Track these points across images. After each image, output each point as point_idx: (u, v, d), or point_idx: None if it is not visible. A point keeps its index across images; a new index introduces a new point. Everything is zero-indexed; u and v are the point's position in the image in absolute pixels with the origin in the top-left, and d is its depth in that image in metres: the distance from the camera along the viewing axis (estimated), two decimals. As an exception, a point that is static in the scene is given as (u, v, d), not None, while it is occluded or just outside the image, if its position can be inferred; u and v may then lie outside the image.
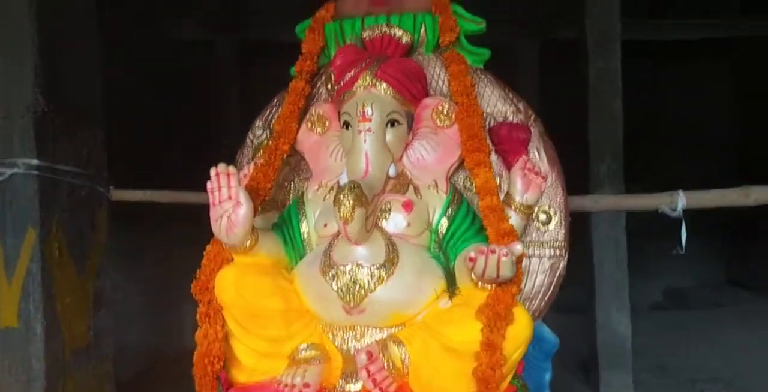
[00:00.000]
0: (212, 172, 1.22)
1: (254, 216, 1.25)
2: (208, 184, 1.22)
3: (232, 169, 1.22)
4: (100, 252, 2.17)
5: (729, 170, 5.24)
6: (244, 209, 1.20)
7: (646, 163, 4.75)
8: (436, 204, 1.35)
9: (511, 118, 1.48)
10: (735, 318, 4.58)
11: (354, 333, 1.29)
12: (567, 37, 3.67)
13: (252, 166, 1.49)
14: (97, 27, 2.17)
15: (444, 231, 1.34)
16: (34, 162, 1.88)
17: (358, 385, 1.24)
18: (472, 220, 1.34)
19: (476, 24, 1.54)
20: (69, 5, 2.06)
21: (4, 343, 1.92)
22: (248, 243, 1.25)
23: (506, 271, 1.13)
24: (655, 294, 5.60)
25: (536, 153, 1.47)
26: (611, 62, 3.22)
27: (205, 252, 1.32)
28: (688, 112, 5.47)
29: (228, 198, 1.21)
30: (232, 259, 1.30)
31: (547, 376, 1.47)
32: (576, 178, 3.14)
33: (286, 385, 1.22)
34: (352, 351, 1.27)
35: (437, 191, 1.36)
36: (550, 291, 1.44)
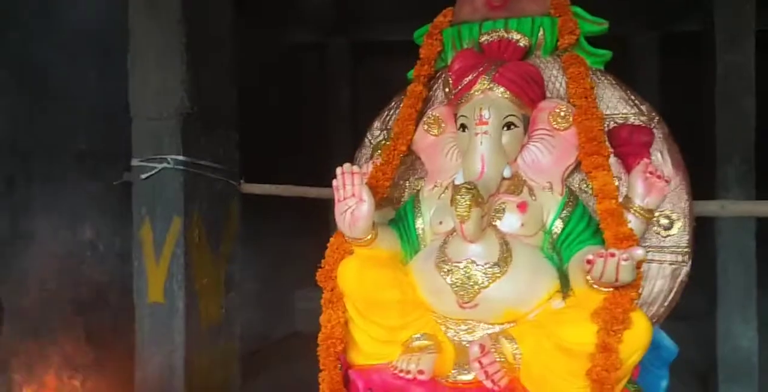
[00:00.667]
0: (338, 170, 1.31)
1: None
2: (334, 182, 1.31)
3: (356, 168, 1.31)
4: (232, 240, 2.39)
5: None
6: (366, 205, 1.29)
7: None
8: (551, 206, 1.36)
9: (632, 120, 1.45)
10: None
11: (466, 326, 1.34)
12: (690, 29, 3.43)
13: (370, 164, 1.57)
14: (233, 39, 2.38)
15: (558, 233, 1.35)
16: (181, 158, 2.11)
17: (470, 376, 1.28)
18: (587, 223, 1.34)
19: (597, 25, 1.52)
20: (212, 20, 2.29)
21: (152, 317, 2.18)
22: (369, 236, 1.34)
23: (626, 276, 1.12)
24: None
25: (659, 155, 1.43)
26: (742, 55, 2.98)
27: (328, 244, 1.42)
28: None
29: (352, 195, 1.30)
30: (353, 251, 1.39)
31: (664, 383, 1.43)
32: (701, 180, 2.98)
33: (401, 370, 1.29)
34: (464, 344, 1.32)
35: (552, 193, 1.37)
36: (670, 298, 1.40)
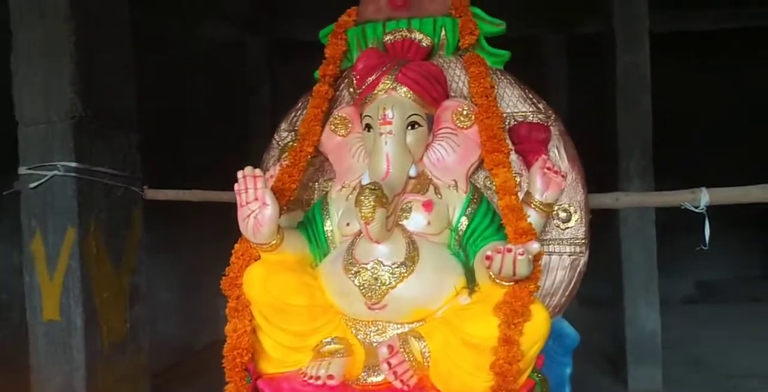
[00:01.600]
0: (239, 174, 1.27)
1: (280, 216, 1.29)
2: (236, 186, 1.27)
3: (258, 171, 1.27)
4: (135, 250, 2.26)
5: (763, 162, 5.11)
6: (270, 210, 1.26)
7: (677, 156, 4.67)
8: (456, 204, 1.38)
9: (530, 118, 1.50)
10: (770, 313, 4.50)
11: (376, 327, 1.33)
12: (594, 31, 3.61)
13: (278, 166, 1.54)
14: (130, 35, 2.26)
15: (464, 230, 1.37)
16: (73, 164, 1.98)
17: (380, 377, 1.28)
18: (491, 219, 1.37)
19: (496, 26, 1.56)
20: (104, 16, 2.15)
21: (48, 335, 2.03)
22: (274, 241, 1.31)
23: (522, 270, 1.15)
24: (688, 288, 5.51)
25: (556, 152, 1.48)
26: (639, 56, 3.17)
27: (233, 251, 1.37)
28: (722, 104, 5.34)
29: (255, 199, 1.26)
30: (260, 257, 1.36)
31: (568, 371, 1.48)
32: (605, 173, 3.15)
33: (311, 377, 1.28)
34: (374, 345, 1.31)
35: (457, 190, 1.39)
36: (570, 288, 1.46)
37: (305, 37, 4.15)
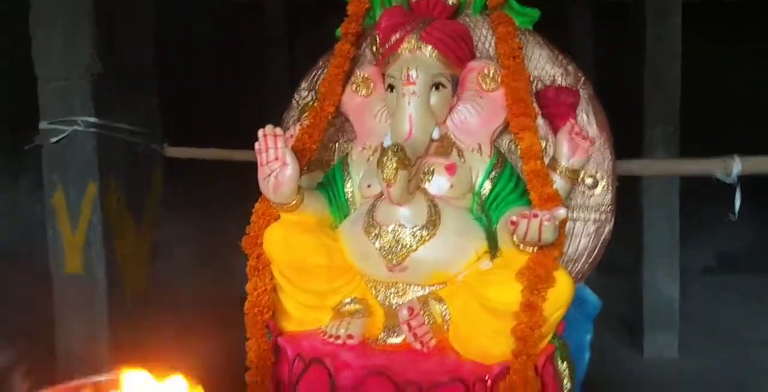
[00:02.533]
0: (260, 133, 1.25)
1: (300, 176, 1.28)
2: (256, 145, 1.26)
3: (278, 130, 1.26)
4: (156, 206, 2.28)
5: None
6: (290, 169, 1.24)
7: (705, 125, 4.56)
8: (479, 168, 1.36)
9: (559, 81, 1.44)
10: (791, 285, 4.45)
11: (396, 289, 1.33)
12: (623, 1, 3.49)
13: (298, 126, 1.51)
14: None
15: (487, 194, 1.34)
16: (93, 119, 1.97)
17: (400, 339, 1.29)
18: (515, 184, 1.35)
19: (526, -17, 1.49)
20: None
21: (71, 288, 2.08)
22: (294, 201, 1.30)
23: (548, 235, 1.13)
24: (707, 257, 5.46)
25: (584, 116, 1.43)
26: (670, 27, 3.07)
27: (254, 210, 1.37)
28: (754, 76, 5.15)
29: (275, 158, 1.25)
30: (279, 217, 1.35)
31: (588, 337, 1.48)
32: (631, 141, 3.09)
33: (330, 335, 1.29)
34: (394, 307, 1.31)
35: (481, 154, 1.36)
36: (594, 255, 1.43)
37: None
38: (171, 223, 2.41)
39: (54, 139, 1.99)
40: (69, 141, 1.99)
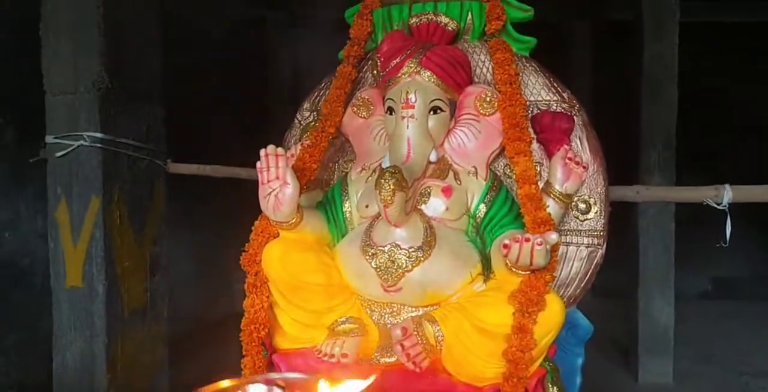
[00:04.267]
0: (262, 153, 1.28)
1: (300, 195, 1.31)
2: (258, 164, 1.28)
3: (280, 150, 1.28)
4: (157, 221, 2.30)
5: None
6: (290, 189, 1.27)
7: (701, 150, 4.60)
8: (475, 190, 1.38)
9: (554, 107, 1.48)
10: (787, 313, 4.45)
11: (391, 309, 1.35)
12: (621, 19, 3.55)
13: (299, 146, 1.54)
14: (159, 8, 2.26)
15: (482, 217, 1.37)
16: (99, 135, 2.00)
17: (393, 358, 1.30)
18: (510, 207, 1.37)
19: (523, 11, 1.54)
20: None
21: (70, 301, 2.09)
22: (293, 220, 1.32)
23: (540, 260, 1.15)
24: (704, 283, 5.46)
25: (578, 142, 1.46)
26: (667, 45, 3.11)
27: (253, 227, 1.39)
28: (749, 98, 5.21)
29: (276, 177, 1.27)
30: (278, 234, 1.37)
31: (580, 361, 1.49)
32: (626, 165, 3.12)
33: (325, 354, 1.30)
34: (388, 326, 1.33)
35: (477, 177, 1.39)
36: (586, 279, 1.46)
37: (324, 14, 4.14)
38: (177, 238, 2.43)
39: (59, 154, 2.02)
40: (74, 155, 2.02)
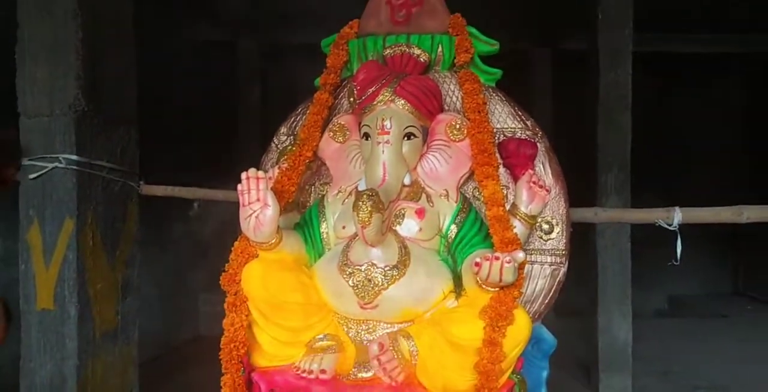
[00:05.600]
0: (243, 175, 1.33)
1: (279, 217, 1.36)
2: (239, 187, 1.33)
3: (261, 173, 1.33)
4: (130, 243, 2.30)
5: (739, 180, 5.30)
6: (271, 210, 1.32)
7: (655, 172, 4.82)
8: (446, 212, 1.46)
9: (519, 134, 1.58)
10: (739, 329, 4.63)
11: (367, 326, 1.40)
12: (579, 48, 3.73)
13: (276, 169, 1.60)
14: (134, 33, 2.30)
15: (453, 237, 1.44)
16: (74, 157, 2.01)
17: (370, 373, 1.35)
18: (479, 228, 1.45)
19: (490, 45, 1.65)
20: (110, 13, 2.20)
21: (41, 324, 2.06)
22: (273, 240, 1.37)
23: (508, 277, 1.23)
24: (660, 301, 5.66)
25: (542, 167, 1.56)
26: (621, 74, 3.28)
27: (233, 248, 1.43)
28: (699, 124, 5.51)
29: (257, 199, 1.32)
30: (257, 255, 1.41)
31: (545, 374, 1.56)
32: (585, 187, 3.25)
33: (304, 370, 1.35)
34: (364, 343, 1.38)
35: (448, 200, 1.47)
36: (549, 296, 1.54)
37: (295, 39, 4.24)
38: (143, 260, 2.43)
39: (33, 176, 2.01)
40: (48, 177, 2.02)
